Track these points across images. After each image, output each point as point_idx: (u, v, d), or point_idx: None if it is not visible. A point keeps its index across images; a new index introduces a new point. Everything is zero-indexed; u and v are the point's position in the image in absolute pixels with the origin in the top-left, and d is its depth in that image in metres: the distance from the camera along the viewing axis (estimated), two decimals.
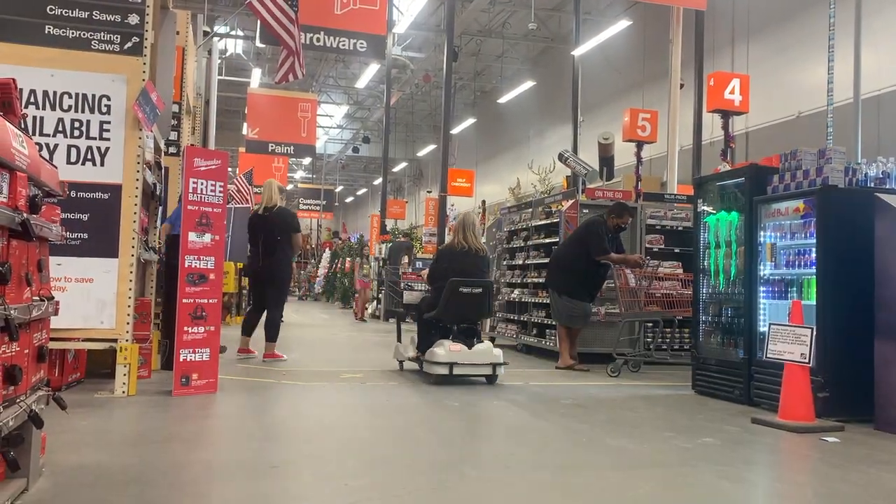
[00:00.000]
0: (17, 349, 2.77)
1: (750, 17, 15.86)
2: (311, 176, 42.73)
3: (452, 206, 19.48)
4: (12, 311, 2.58)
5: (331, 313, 19.74)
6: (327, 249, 27.67)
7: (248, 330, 8.10)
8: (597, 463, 3.93)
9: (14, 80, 2.97)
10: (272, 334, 7.87)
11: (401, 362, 7.60)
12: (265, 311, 8.01)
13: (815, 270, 5.43)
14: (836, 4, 8.14)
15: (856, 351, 5.22)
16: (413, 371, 7.28)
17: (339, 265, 23.82)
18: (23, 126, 3.06)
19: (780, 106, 14.62)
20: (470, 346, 6.61)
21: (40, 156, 3.09)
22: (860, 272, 5.24)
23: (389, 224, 22.40)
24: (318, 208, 33.78)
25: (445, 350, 6.52)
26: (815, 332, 4.88)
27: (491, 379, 6.67)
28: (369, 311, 17.70)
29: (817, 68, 13.25)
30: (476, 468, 3.70)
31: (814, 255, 5.45)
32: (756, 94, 11.23)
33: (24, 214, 2.69)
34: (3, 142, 2.45)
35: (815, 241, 5.44)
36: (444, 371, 6.45)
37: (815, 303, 5.38)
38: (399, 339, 7.78)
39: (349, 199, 52.81)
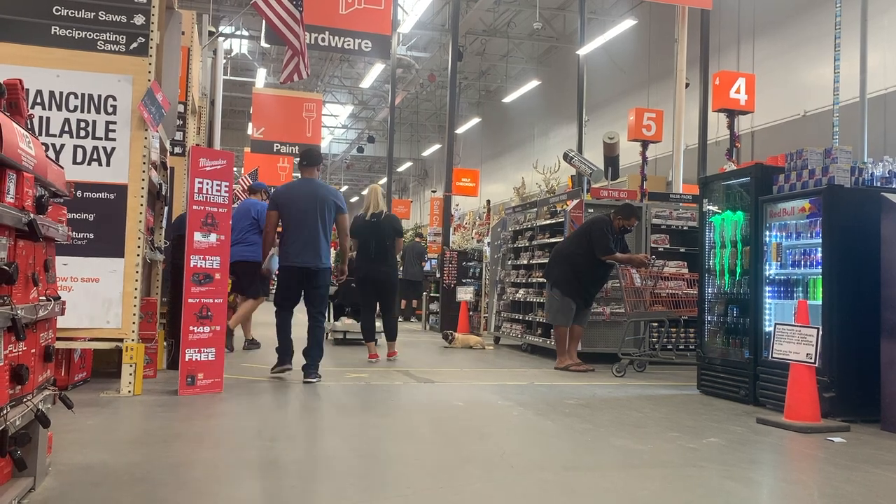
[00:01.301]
0: (24, 349, 2.78)
1: (756, 16, 15.83)
2: None
3: (457, 205, 19.49)
4: (19, 311, 2.59)
5: None
6: (332, 249, 27.66)
7: (370, 335, 8.27)
8: (601, 463, 3.93)
9: (21, 80, 2.98)
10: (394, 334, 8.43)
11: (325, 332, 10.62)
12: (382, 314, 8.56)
13: (820, 270, 5.42)
14: (842, 3, 8.13)
15: (862, 351, 5.21)
16: (411, 373, 7.29)
17: None
18: (29, 126, 3.08)
19: (785, 105, 14.59)
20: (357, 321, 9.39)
21: (47, 156, 3.10)
22: (866, 272, 5.22)
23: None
24: None
25: (342, 323, 10.33)
26: (820, 332, 4.87)
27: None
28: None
29: (823, 67, 13.22)
30: (481, 468, 3.70)
31: (819, 254, 5.43)
32: (762, 93, 11.22)
33: (31, 215, 2.70)
34: (10, 143, 2.46)
35: (820, 240, 5.43)
36: (340, 336, 10.25)
37: (820, 303, 5.37)
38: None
39: (354, 199, 52.84)
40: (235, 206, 8.09)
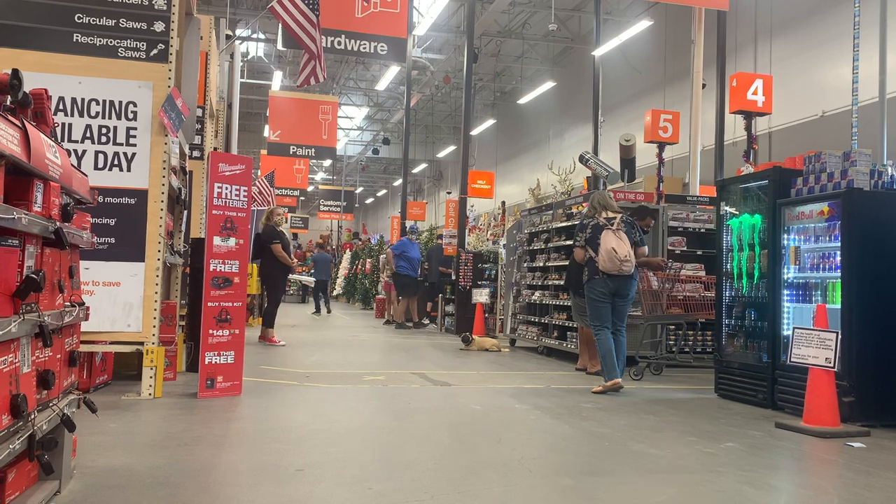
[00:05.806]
0: (50, 354, 2.83)
1: (772, 16, 15.71)
2: (331, 177, 42.96)
3: (472, 206, 19.48)
4: (46, 318, 2.64)
5: (351, 314, 19.83)
6: (347, 251, 27.75)
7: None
8: (620, 468, 3.93)
9: (46, 90, 3.03)
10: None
11: None
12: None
13: (839, 274, 5.38)
14: (861, 2, 8.05)
15: (882, 355, 5.18)
16: (431, 378, 7.32)
17: (359, 266, 23.92)
18: (53, 135, 3.12)
19: (803, 105, 14.47)
20: None
21: (71, 164, 3.15)
22: (886, 275, 5.19)
23: (409, 225, 22.39)
24: (338, 209, 33.92)
25: None
26: (840, 337, 4.84)
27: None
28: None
29: (841, 67, 13.11)
30: (499, 473, 3.71)
31: (838, 258, 5.40)
32: (779, 94, 11.14)
33: (58, 223, 2.75)
34: (38, 153, 2.51)
35: (839, 244, 5.39)
36: None
37: (839, 306, 5.33)
38: None
39: (369, 201, 52.98)
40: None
